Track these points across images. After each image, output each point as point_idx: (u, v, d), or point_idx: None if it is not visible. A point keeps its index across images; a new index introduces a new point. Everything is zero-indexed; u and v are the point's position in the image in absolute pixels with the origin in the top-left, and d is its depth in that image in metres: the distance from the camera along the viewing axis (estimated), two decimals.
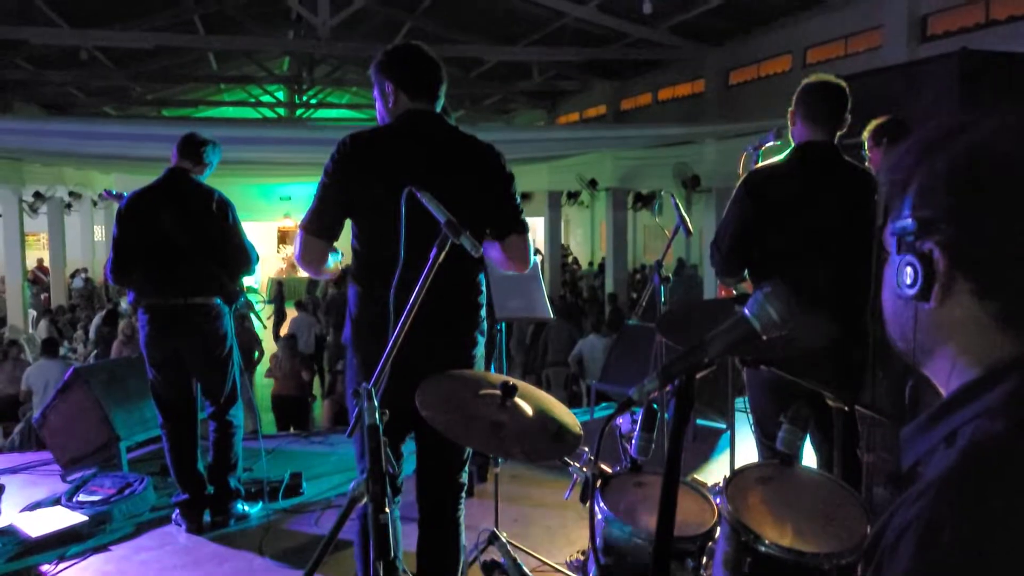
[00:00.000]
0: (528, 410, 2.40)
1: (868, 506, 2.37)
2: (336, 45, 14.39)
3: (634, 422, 2.45)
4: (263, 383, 11.31)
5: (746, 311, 1.52)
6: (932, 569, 0.84)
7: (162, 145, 6.28)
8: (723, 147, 12.24)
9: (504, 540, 3.77)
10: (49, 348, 9.91)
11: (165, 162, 4.81)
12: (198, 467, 4.78)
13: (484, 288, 3.09)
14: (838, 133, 3.49)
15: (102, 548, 4.52)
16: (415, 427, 2.93)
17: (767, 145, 4.26)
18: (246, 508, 4.91)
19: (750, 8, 12.82)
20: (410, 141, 2.95)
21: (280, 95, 23.64)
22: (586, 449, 2.54)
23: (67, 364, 9.05)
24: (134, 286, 4.69)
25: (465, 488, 3.15)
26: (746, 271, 3.58)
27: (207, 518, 4.77)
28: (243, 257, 4.74)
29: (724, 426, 6.36)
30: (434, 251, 2.21)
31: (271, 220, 27.24)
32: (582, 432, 2.40)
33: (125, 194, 4.77)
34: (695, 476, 2.84)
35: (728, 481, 2.38)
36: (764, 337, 1.52)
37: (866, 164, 4.02)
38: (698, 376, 1.58)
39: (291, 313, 15.94)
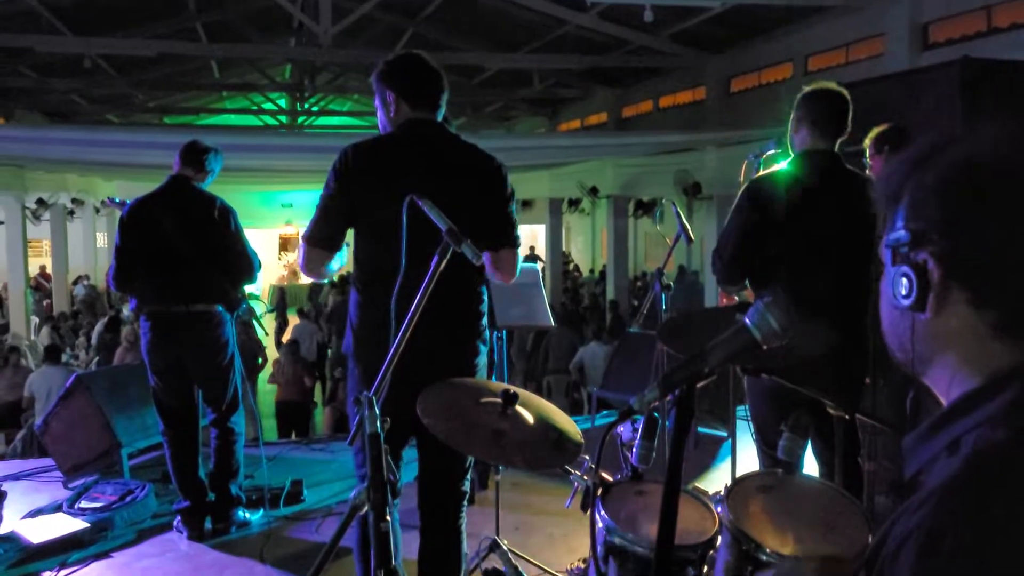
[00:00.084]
0: (529, 418, 2.40)
1: (869, 515, 2.37)
2: (338, 53, 14.41)
3: (635, 430, 2.45)
4: (266, 389, 11.34)
5: (746, 320, 1.53)
6: None
7: (164, 152, 6.31)
8: (724, 154, 12.25)
9: (505, 548, 3.78)
10: (52, 355, 9.92)
11: (167, 169, 4.82)
12: (199, 474, 4.79)
13: (486, 296, 3.10)
14: (839, 141, 3.50)
15: (103, 555, 4.52)
16: (417, 435, 2.94)
17: (769, 153, 4.27)
18: (247, 515, 4.91)
19: (751, 16, 12.81)
20: (411, 150, 2.96)
21: (282, 102, 23.70)
22: (587, 457, 2.54)
23: (69, 371, 9.07)
24: (136, 293, 4.70)
25: (467, 496, 3.15)
26: (747, 279, 3.58)
27: (208, 525, 4.77)
28: (245, 264, 4.75)
29: (725, 434, 6.36)
30: (435, 259, 2.22)
31: (273, 227, 27.26)
32: (583, 440, 2.40)
33: (128, 201, 4.78)
34: (696, 484, 2.84)
35: (729, 489, 2.38)
36: (764, 347, 1.53)
37: (867, 172, 4.02)
38: (699, 385, 1.58)
39: (293, 320, 15.96)
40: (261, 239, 23.22)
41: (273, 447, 6.51)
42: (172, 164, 4.76)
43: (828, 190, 3.42)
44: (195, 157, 4.71)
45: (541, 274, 5.04)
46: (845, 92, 3.50)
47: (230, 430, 4.81)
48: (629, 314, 15.03)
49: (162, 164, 5.84)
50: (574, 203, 20.45)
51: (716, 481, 5.44)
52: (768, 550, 2.13)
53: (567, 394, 11.48)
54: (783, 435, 2.57)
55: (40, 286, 20.96)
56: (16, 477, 5.78)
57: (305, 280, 25.40)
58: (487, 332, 3.10)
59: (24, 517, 4.84)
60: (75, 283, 21.45)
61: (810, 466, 3.34)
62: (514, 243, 3.07)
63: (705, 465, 5.96)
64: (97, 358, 12.25)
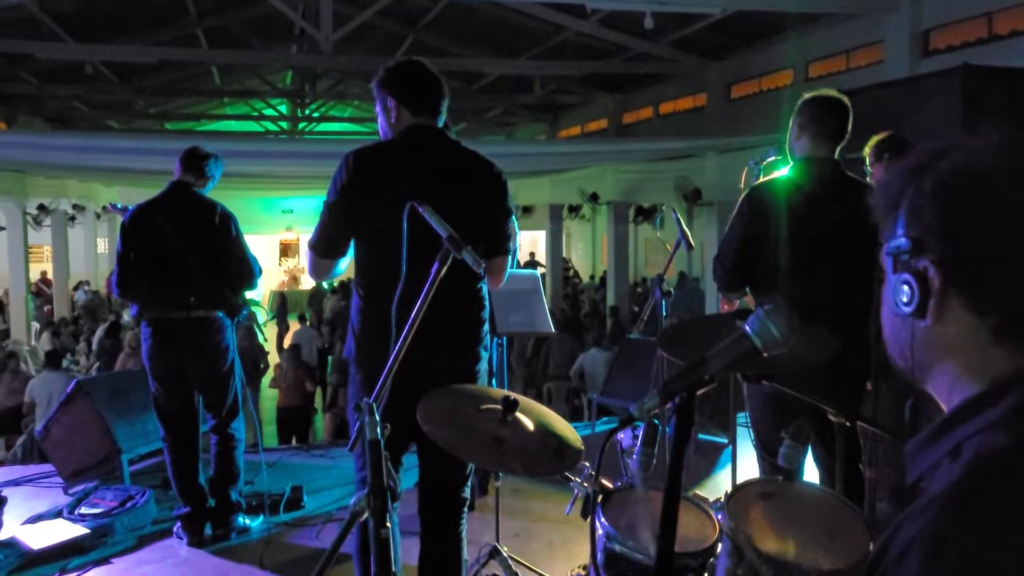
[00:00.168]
0: (529, 425, 2.40)
1: (871, 522, 2.37)
2: (338, 59, 14.46)
3: (635, 437, 2.45)
4: (269, 394, 11.37)
5: (747, 328, 1.53)
6: None
7: (165, 158, 6.31)
8: (724, 161, 12.24)
9: (505, 554, 3.77)
10: (52, 360, 9.93)
11: (168, 175, 4.82)
12: (199, 480, 4.78)
13: (487, 303, 3.10)
14: (839, 148, 3.50)
15: (104, 561, 4.52)
16: (417, 441, 2.94)
17: (769, 159, 4.27)
18: (247, 521, 4.91)
19: (752, 22, 12.84)
20: (412, 156, 2.97)
21: (283, 108, 23.73)
22: (587, 464, 2.54)
23: (70, 376, 9.06)
24: (137, 299, 4.70)
25: (467, 502, 3.15)
26: (748, 286, 3.58)
27: (208, 531, 4.77)
28: (246, 270, 4.75)
29: (726, 440, 6.35)
30: (435, 266, 2.22)
31: (273, 233, 27.29)
32: (583, 447, 2.40)
33: (129, 207, 4.78)
34: (696, 491, 2.84)
35: (729, 496, 2.37)
36: (765, 354, 1.53)
37: (868, 179, 4.03)
38: (699, 393, 1.58)
39: (294, 326, 15.97)
40: (262, 245, 23.22)
41: (273, 453, 6.52)
42: (173, 170, 4.77)
43: (829, 197, 3.42)
44: (196, 163, 4.72)
45: (541, 280, 5.04)
46: (845, 99, 3.50)
47: (230, 436, 4.81)
48: (629, 320, 15.01)
49: (163, 170, 5.85)
50: (574, 209, 20.44)
51: (717, 488, 5.43)
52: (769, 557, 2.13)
53: (567, 400, 11.47)
54: (784, 442, 2.56)
55: (41, 292, 20.94)
56: (16, 483, 5.77)
57: (306, 286, 25.46)
58: (488, 338, 3.10)
59: (24, 523, 4.83)
60: (76, 289, 21.44)
61: (811, 473, 3.34)
62: (508, 251, 3.08)
63: (706, 471, 5.95)
64: (97, 364, 12.25)
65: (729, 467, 5.01)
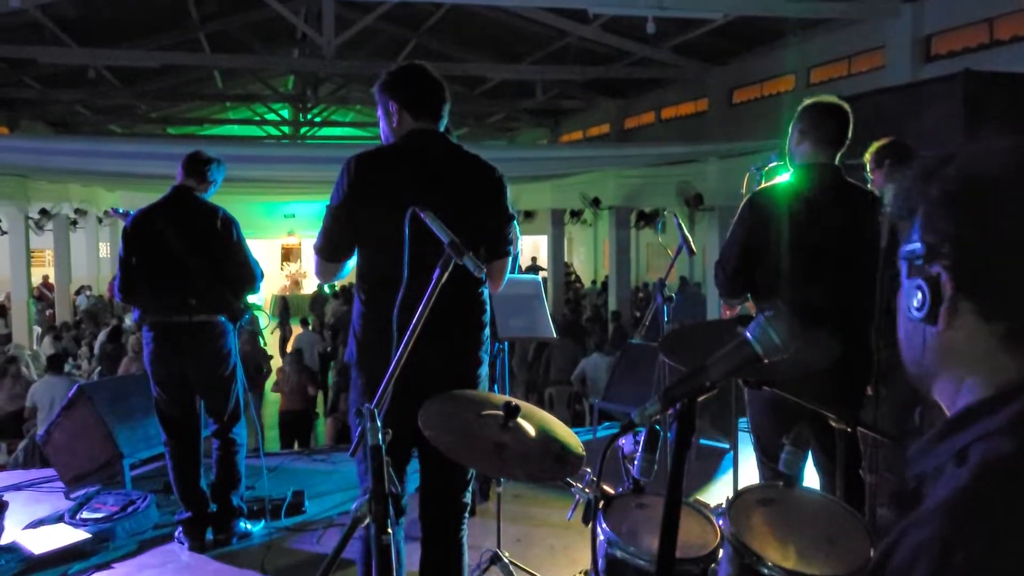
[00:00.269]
0: (531, 431, 2.40)
1: (871, 527, 2.37)
2: (341, 64, 14.45)
3: (637, 443, 2.45)
4: (272, 398, 11.39)
5: (748, 335, 1.53)
6: None
7: (167, 163, 6.32)
8: (726, 166, 12.24)
9: (506, 560, 3.77)
10: (54, 364, 9.93)
11: (170, 180, 4.83)
12: (201, 485, 4.78)
13: (488, 308, 3.11)
14: (839, 154, 3.51)
15: (105, 566, 4.52)
16: (418, 447, 2.94)
17: (771, 165, 4.27)
18: (248, 526, 4.90)
19: (753, 28, 12.85)
20: (414, 161, 2.97)
21: (285, 113, 23.76)
22: (589, 470, 2.54)
23: (72, 381, 9.06)
24: (139, 304, 4.71)
25: (468, 508, 3.15)
26: (749, 292, 3.58)
27: (210, 536, 4.76)
28: (247, 275, 4.76)
29: (727, 445, 6.34)
30: (437, 272, 2.23)
31: (275, 237, 27.32)
32: (584, 453, 2.40)
33: (131, 212, 4.79)
34: (698, 497, 2.84)
35: (731, 502, 2.37)
36: (766, 360, 1.53)
37: (869, 185, 4.03)
38: (700, 399, 1.58)
39: (296, 330, 15.98)
40: (263, 249, 23.26)
41: (274, 458, 6.51)
42: (175, 175, 4.77)
43: (829, 203, 3.42)
44: (197, 168, 4.73)
45: (543, 285, 5.04)
46: (845, 105, 3.51)
47: (232, 441, 4.81)
48: (631, 325, 15.01)
49: (165, 175, 5.86)
50: (576, 214, 20.45)
51: (718, 493, 5.43)
52: (770, 563, 2.13)
53: (569, 405, 11.46)
54: (784, 448, 2.56)
55: (43, 296, 20.98)
56: (18, 487, 5.78)
57: (307, 290, 25.48)
58: (489, 343, 3.11)
59: (25, 528, 4.83)
60: (77, 293, 21.48)
61: (811, 478, 3.33)
62: (508, 254, 3.09)
63: (707, 476, 5.95)
64: (99, 368, 12.26)
65: (731, 472, 5.00)
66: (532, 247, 27.55)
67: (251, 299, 4.96)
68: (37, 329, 16.46)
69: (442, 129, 3.07)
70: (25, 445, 8.28)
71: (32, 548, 4.52)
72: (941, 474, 0.96)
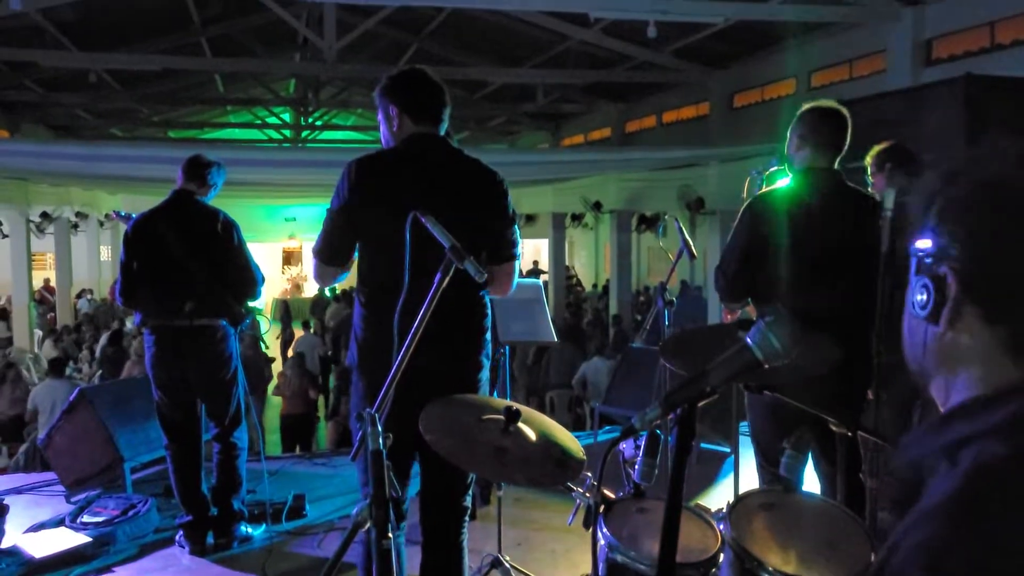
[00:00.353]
0: (531, 435, 2.40)
1: (872, 532, 2.37)
2: (342, 67, 14.46)
3: (637, 447, 2.45)
4: (274, 402, 11.40)
5: (748, 340, 1.53)
6: None
7: (168, 167, 6.32)
8: (727, 170, 12.25)
9: (507, 564, 3.77)
10: (56, 368, 9.93)
11: (171, 183, 4.84)
12: (202, 488, 4.78)
13: (489, 312, 3.11)
14: (838, 158, 3.51)
15: (106, 569, 4.52)
16: (419, 451, 2.94)
17: (772, 169, 4.27)
18: (249, 530, 4.90)
19: (754, 32, 12.85)
20: (414, 165, 2.98)
21: (286, 117, 23.77)
22: (589, 474, 2.54)
23: (73, 384, 9.07)
24: (140, 307, 4.71)
25: (469, 512, 3.15)
26: (750, 296, 3.59)
27: (210, 540, 4.76)
28: (248, 279, 4.76)
29: (728, 449, 6.34)
30: (438, 276, 2.23)
31: (276, 241, 27.30)
32: (585, 457, 2.40)
33: (133, 215, 4.80)
34: (698, 501, 2.84)
35: (731, 507, 2.37)
36: (766, 366, 1.53)
37: (869, 189, 4.03)
38: (701, 404, 1.58)
39: (297, 333, 15.98)
40: (264, 253, 23.27)
41: (275, 461, 6.51)
42: (176, 178, 4.78)
43: (830, 207, 3.42)
44: (198, 171, 4.73)
45: (544, 289, 5.04)
46: (844, 110, 3.51)
47: (233, 445, 4.81)
48: (632, 329, 15.00)
49: (166, 178, 5.86)
50: (577, 218, 20.45)
51: (719, 497, 5.42)
52: (771, 568, 2.13)
53: (570, 409, 11.45)
54: (785, 452, 2.56)
55: (44, 299, 20.99)
56: (18, 491, 5.78)
57: (308, 294, 25.47)
58: (490, 347, 3.11)
59: (26, 531, 4.83)
60: (78, 297, 21.48)
61: (812, 482, 3.33)
62: (514, 257, 3.09)
63: (708, 481, 5.94)
64: (100, 371, 12.27)
65: (731, 476, 4.99)
66: (533, 251, 27.55)
67: (252, 304, 4.97)
68: (38, 332, 16.47)
69: (443, 133, 3.08)
70: (26, 449, 8.28)
71: (33, 552, 4.52)
72: (935, 473, 0.97)
